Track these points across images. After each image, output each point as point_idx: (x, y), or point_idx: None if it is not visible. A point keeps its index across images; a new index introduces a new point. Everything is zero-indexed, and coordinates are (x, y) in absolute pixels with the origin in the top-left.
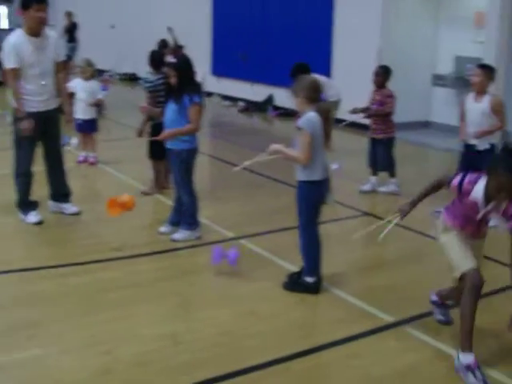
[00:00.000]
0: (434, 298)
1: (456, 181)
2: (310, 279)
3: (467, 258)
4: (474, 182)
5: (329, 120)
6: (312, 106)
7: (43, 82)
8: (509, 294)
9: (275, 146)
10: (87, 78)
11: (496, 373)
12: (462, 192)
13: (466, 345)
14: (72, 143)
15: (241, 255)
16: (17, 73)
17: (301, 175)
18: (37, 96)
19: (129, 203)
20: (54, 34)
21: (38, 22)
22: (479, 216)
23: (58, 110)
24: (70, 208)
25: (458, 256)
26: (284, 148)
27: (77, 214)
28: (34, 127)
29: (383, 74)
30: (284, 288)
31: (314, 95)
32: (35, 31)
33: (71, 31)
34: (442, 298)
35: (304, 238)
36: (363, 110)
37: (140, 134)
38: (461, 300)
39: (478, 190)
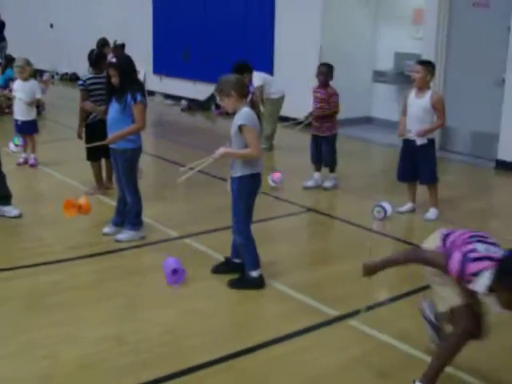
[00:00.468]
0: (430, 316)
1: (454, 269)
2: (255, 273)
3: (459, 295)
4: (476, 274)
5: (258, 111)
6: (244, 101)
7: None
8: None
9: (222, 150)
10: (26, 79)
11: None
12: (463, 279)
13: (428, 382)
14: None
15: (185, 254)
16: None
17: (243, 170)
18: None
19: (85, 206)
20: None
21: None
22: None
23: None
24: (11, 211)
25: (448, 292)
26: (231, 150)
27: (18, 216)
28: None
29: (327, 72)
30: (230, 286)
31: (244, 90)
32: None
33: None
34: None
35: (244, 232)
36: (311, 113)
37: (79, 135)
38: (446, 335)
39: (481, 283)
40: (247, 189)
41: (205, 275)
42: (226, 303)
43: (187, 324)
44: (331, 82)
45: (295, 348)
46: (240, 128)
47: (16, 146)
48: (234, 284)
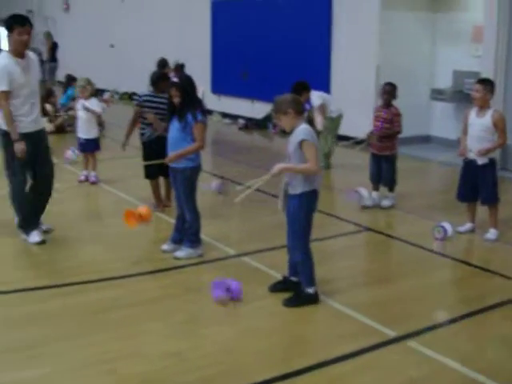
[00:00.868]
0: None
1: None
2: (311, 290)
3: None
4: None
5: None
6: (301, 118)
7: (33, 101)
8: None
9: (281, 166)
10: (87, 97)
11: None
12: None
13: None
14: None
15: (242, 272)
16: (8, 95)
17: (303, 186)
18: (28, 116)
19: (146, 215)
20: (32, 54)
21: (21, 45)
22: None
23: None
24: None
25: None
26: (290, 165)
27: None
28: (28, 149)
29: (391, 91)
30: (284, 305)
31: (301, 108)
32: (20, 53)
33: (52, 51)
34: None
35: (302, 249)
36: (372, 132)
37: (124, 147)
38: None
39: None
40: (307, 205)
41: (262, 293)
42: (284, 321)
43: (246, 342)
44: (398, 103)
45: (352, 368)
46: (301, 143)
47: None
48: (289, 302)
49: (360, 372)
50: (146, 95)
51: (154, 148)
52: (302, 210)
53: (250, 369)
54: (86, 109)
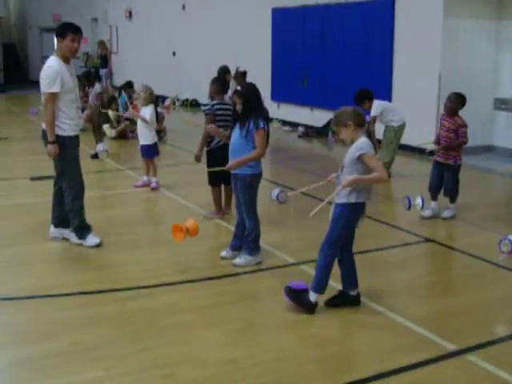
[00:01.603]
0: None
1: None
2: (314, 297)
3: None
4: None
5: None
6: (361, 131)
7: (77, 106)
8: None
9: (353, 177)
10: (145, 104)
11: None
12: None
13: None
14: (100, 150)
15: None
16: (55, 98)
17: (349, 197)
18: (75, 120)
19: (192, 229)
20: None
21: (71, 52)
22: None
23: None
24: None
25: None
26: (362, 176)
27: (98, 245)
28: (76, 151)
29: (456, 101)
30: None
31: (361, 120)
32: (67, 58)
33: (104, 58)
34: None
35: (327, 256)
36: (437, 142)
37: (198, 159)
38: None
39: None
40: (345, 216)
41: (321, 302)
42: (342, 332)
43: (302, 351)
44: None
45: (410, 381)
46: (359, 157)
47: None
48: (330, 301)
49: None
50: (217, 103)
51: (219, 155)
52: (340, 220)
53: (305, 378)
54: (137, 116)
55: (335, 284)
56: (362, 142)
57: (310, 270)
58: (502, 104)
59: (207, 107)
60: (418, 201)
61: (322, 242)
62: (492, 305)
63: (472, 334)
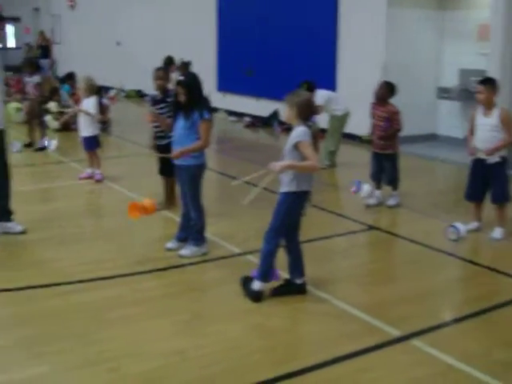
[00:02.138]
0: None
1: None
2: (258, 285)
3: None
4: None
5: (317, 140)
6: (302, 122)
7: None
8: None
9: (284, 163)
10: (87, 96)
11: None
12: None
13: None
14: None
15: (247, 272)
16: None
17: (288, 186)
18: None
19: (149, 208)
20: None
21: None
22: None
23: None
24: (14, 227)
25: None
26: (293, 162)
27: (22, 232)
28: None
29: (386, 89)
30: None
31: (307, 114)
32: None
33: (45, 49)
34: None
35: (271, 244)
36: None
37: (152, 148)
38: None
39: None
40: (289, 204)
41: (267, 292)
42: (288, 320)
43: (249, 340)
44: (393, 100)
45: (357, 368)
46: (296, 145)
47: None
48: (276, 291)
49: (363, 371)
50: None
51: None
52: (282, 209)
53: (253, 368)
54: (80, 111)
55: (282, 273)
56: (300, 130)
57: (256, 260)
58: (444, 93)
59: (165, 109)
60: (366, 188)
61: (266, 231)
62: (436, 290)
63: (416, 319)
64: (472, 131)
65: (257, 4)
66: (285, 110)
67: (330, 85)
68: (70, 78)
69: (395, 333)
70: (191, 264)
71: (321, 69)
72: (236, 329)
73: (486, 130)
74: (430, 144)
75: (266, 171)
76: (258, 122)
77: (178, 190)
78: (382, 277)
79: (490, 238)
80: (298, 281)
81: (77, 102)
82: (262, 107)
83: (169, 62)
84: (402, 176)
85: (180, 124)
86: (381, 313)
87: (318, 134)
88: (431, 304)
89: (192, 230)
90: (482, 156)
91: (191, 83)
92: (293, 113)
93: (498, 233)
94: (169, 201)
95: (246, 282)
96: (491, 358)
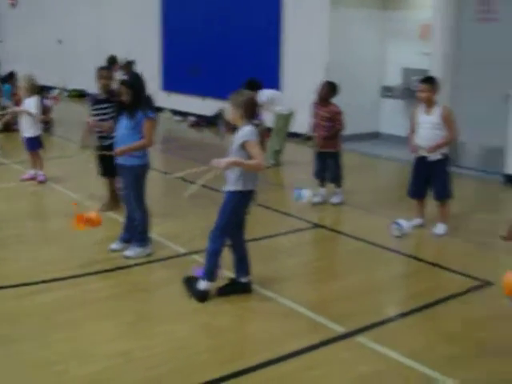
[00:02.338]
0: None
1: None
2: (204, 285)
3: None
4: None
5: (263, 139)
6: (248, 122)
7: None
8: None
9: (230, 159)
10: (28, 96)
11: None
12: None
13: None
14: None
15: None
16: None
17: (234, 185)
18: None
19: (95, 220)
20: None
21: None
22: None
23: None
24: None
25: None
26: (238, 159)
27: None
28: None
29: (328, 89)
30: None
31: (252, 111)
32: None
33: None
34: None
35: (216, 243)
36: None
37: (83, 144)
38: None
39: None
40: (234, 204)
41: (213, 291)
42: (234, 319)
43: (196, 340)
44: (336, 99)
45: (302, 365)
46: (243, 144)
47: None
48: (221, 290)
49: (309, 369)
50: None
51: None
52: (228, 207)
53: (200, 367)
54: (21, 111)
55: (227, 272)
56: (247, 130)
57: (202, 259)
58: (388, 92)
59: (109, 109)
60: (307, 193)
61: (211, 230)
62: (380, 286)
63: (360, 315)
64: (414, 129)
65: (202, 3)
66: (229, 111)
67: (275, 84)
68: (10, 77)
69: (340, 329)
70: (137, 265)
71: (265, 68)
72: (183, 329)
73: (428, 128)
74: (374, 142)
75: (209, 167)
76: (203, 122)
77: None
78: (327, 274)
79: (433, 234)
80: (244, 280)
81: (18, 102)
82: (207, 106)
83: (112, 61)
84: (346, 174)
85: (123, 124)
86: (326, 310)
87: (264, 133)
88: (375, 300)
89: (136, 231)
90: (424, 154)
91: (134, 83)
92: (238, 113)
93: (440, 229)
94: (112, 202)
95: (190, 281)
96: (435, 352)
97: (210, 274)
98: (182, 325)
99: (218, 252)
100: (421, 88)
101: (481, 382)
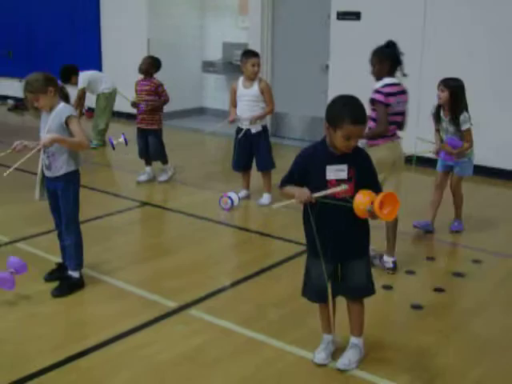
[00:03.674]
0: None
1: None
2: (77, 274)
3: None
4: None
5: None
6: (58, 97)
7: None
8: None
9: (54, 136)
10: None
11: (278, 343)
12: None
13: None
14: None
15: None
16: None
17: (66, 167)
18: None
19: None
20: None
21: None
22: None
23: None
24: None
25: None
26: (63, 136)
27: None
28: None
29: (150, 63)
30: (53, 295)
31: (57, 85)
32: None
33: None
34: None
35: (76, 233)
36: (133, 104)
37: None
38: None
39: None
40: (75, 186)
41: (40, 279)
42: (65, 305)
43: (25, 329)
44: (159, 76)
45: (137, 344)
46: (67, 121)
47: None
48: (59, 292)
49: (142, 346)
50: None
51: None
52: (71, 191)
53: (32, 357)
54: None
55: (53, 257)
56: (65, 106)
57: (27, 247)
58: (209, 67)
59: None
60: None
61: (64, 223)
62: (211, 259)
63: (192, 289)
64: (234, 103)
65: None
66: (38, 101)
67: (96, 64)
68: None
69: (172, 305)
70: None
71: (86, 49)
72: (9, 319)
73: (247, 101)
74: (199, 118)
75: (9, 150)
76: (23, 105)
77: None
78: (157, 251)
79: (259, 204)
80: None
81: None
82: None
83: None
84: (173, 150)
85: None
86: (157, 287)
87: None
88: (207, 273)
89: None
90: (245, 126)
91: None
92: (51, 94)
93: (265, 198)
94: None
95: (62, 279)
96: (266, 318)
97: (82, 263)
98: (7, 315)
99: (81, 241)
100: (252, 62)
101: (308, 340)
